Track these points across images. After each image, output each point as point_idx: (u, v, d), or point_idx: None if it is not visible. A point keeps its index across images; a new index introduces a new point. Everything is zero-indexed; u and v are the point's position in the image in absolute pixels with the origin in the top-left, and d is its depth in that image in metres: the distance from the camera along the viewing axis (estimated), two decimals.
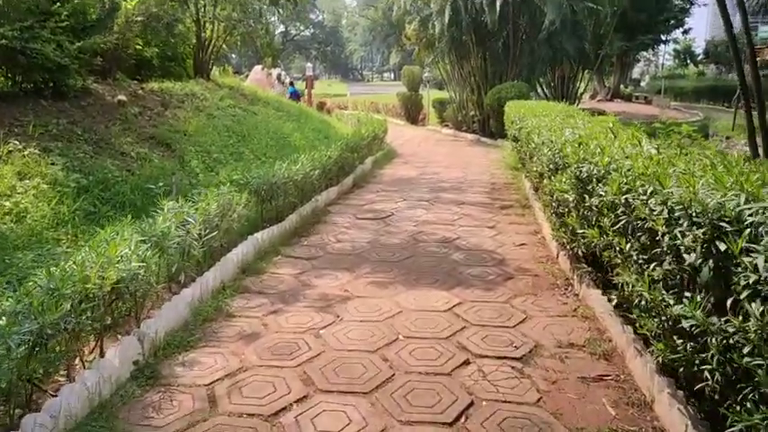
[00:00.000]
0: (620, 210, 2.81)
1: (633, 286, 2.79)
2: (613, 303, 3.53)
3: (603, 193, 3.10)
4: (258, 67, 20.78)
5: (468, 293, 4.88)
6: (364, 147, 11.45)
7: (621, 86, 47.69)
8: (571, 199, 3.87)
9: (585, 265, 4.61)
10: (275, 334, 4.06)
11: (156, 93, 10.81)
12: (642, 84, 62.43)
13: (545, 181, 5.11)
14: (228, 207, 5.37)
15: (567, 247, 4.75)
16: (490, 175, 11.19)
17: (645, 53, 56.94)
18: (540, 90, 22.31)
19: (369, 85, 72.19)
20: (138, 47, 14.00)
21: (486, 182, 10.54)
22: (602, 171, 3.17)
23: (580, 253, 4.57)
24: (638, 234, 2.65)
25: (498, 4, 15.59)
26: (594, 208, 3.37)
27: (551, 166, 4.72)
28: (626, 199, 2.72)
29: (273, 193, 6.43)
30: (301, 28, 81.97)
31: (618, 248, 3.00)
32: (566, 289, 4.97)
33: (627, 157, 3.07)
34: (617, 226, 2.87)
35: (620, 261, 3.07)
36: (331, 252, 6.20)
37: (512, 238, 6.68)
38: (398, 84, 45.42)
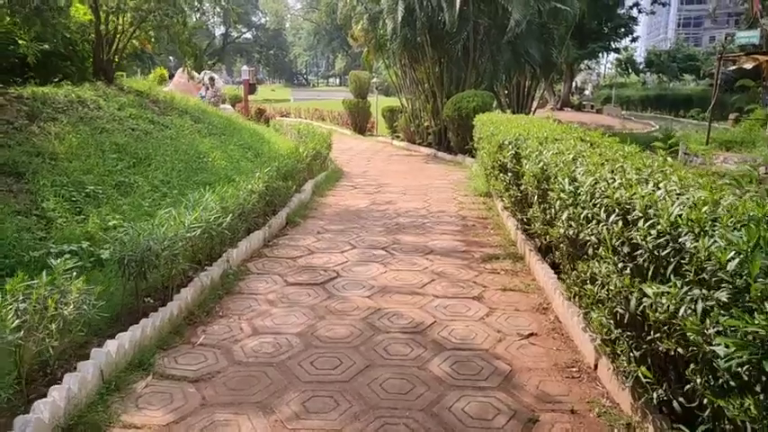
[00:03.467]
0: None
1: None
2: None
3: None
4: (181, 70, 18.14)
5: None
6: (303, 170, 9.17)
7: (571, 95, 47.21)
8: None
9: (683, 427, 2.51)
10: None
11: (25, 100, 8.20)
12: (586, 92, 62.76)
13: (600, 266, 3.00)
14: (42, 306, 3.02)
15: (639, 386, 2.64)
16: (458, 205, 9.12)
17: (587, 61, 57.09)
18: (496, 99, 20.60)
19: (313, 91, 69.81)
20: (22, 41, 11.31)
21: (455, 215, 8.45)
22: None
23: (674, 401, 2.48)
24: None
25: (458, 0, 13.63)
26: None
27: (627, 247, 2.61)
28: None
29: (150, 264, 4.08)
30: (242, 30, 78.67)
31: None
32: None
33: None
34: None
35: None
36: (239, 361, 3.90)
37: (512, 320, 4.57)
38: (344, 89, 43.22)
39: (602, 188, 2.96)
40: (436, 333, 4.33)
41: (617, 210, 2.68)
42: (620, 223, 2.61)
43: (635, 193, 2.56)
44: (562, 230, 3.60)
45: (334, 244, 6.80)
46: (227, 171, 8.80)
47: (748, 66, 16.00)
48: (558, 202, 3.67)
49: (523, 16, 13.94)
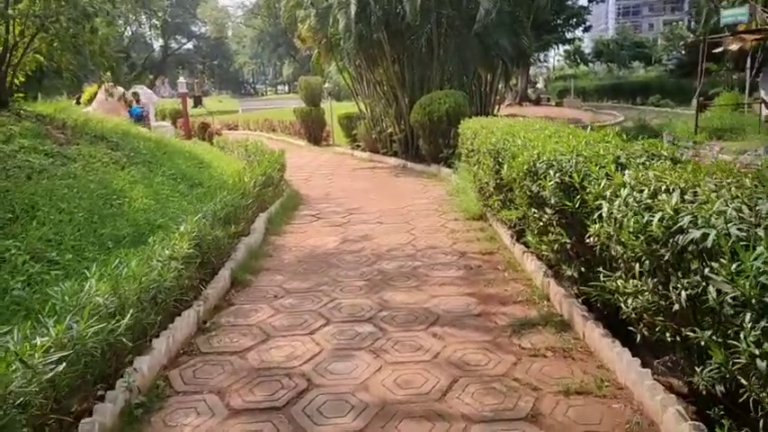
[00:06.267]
0: None
1: None
2: None
3: None
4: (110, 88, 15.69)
5: None
6: (251, 205, 7.16)
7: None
8: None
9: None
10: None
11: None
12: (539, 86, 62.30)
13: None
14: None
15: None
16: (450, 235, 7.28)
17: (536, 54, 56.56)
18: None
19: (263, 100, 67.18)
20: None
21: (451, 250, 6.61)
22: None
23: None
24: None
25: None
26: None
27: None
28: None
29: None
30: (182, 40, 75.08)
31: None
32: None
33: None
34: None
35: None
36: None
37: None
38: (294, 97, 40.96)
39: None
40: None
41: None
42: None
43: None
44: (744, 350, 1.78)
45: (299, 317, 4.84)
46: (149, 215, 6.74)
47: (734, 47, 14.82)
48: (732, 298, 1.87)
49: (493, 4, 12.27)
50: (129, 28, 64.62)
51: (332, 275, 5.93)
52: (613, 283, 3.15)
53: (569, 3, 40.97)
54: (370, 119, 16.45)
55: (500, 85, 20.00)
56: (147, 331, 3.88)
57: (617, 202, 2.92)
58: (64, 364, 2.71)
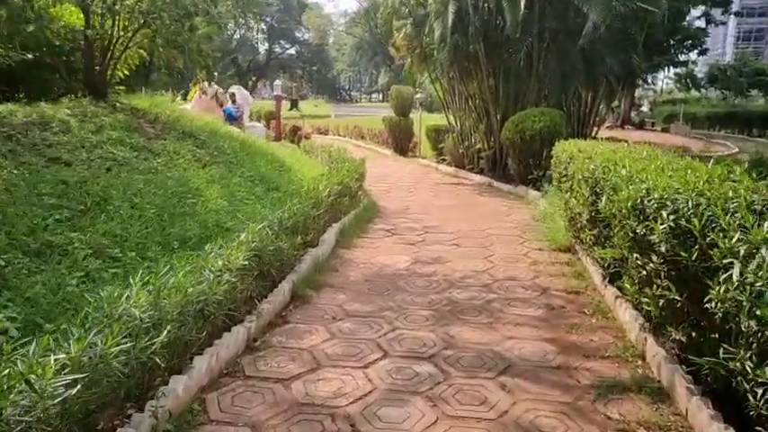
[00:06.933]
0: None
1: None
2: None
3: None
4: (205, 86, 16.18)
5: None
6: (322, 215, 6.86)
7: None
8: None
9: None
10: None
11: None
12: (643, 109, 58.92)
13: None
14: None
15: None
16: (532, 267, 6.61)
17: (643, 76, 53.36)
18: None
19: (356, 107, 68.21)
20: None
21: (531, 284, 5.96)
22: None
23: None
24: None
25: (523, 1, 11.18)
26: None
27: None
28: None
29: None
30: (286, 46, 77.85)
31: None
32: None
33: None
34: None
35: None
36: None
37: None
38: (386, 105, 41.09)
39: None
40: None
41: None
42: None
43: None
44: None
45: (355, 346, 4.41)
46: (219, 216, 6.59)
47: None
48: None
49: (602, 19, 11.39)
50: (237, 31, 67.85)
51: (397, 300, 5.47)
52: (737, 364, 2.47)
53: (685, 24, 38.37)
54: (459, 133, 15.91)
55: (601, 106, 18.85)
56: (188, 347, 3.59)
57: (754, 264, 2.27)
58: (78, 386, 2.42)
